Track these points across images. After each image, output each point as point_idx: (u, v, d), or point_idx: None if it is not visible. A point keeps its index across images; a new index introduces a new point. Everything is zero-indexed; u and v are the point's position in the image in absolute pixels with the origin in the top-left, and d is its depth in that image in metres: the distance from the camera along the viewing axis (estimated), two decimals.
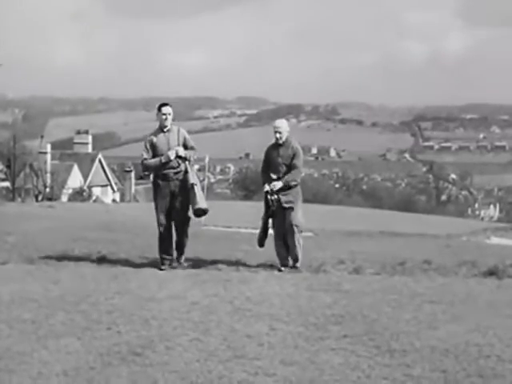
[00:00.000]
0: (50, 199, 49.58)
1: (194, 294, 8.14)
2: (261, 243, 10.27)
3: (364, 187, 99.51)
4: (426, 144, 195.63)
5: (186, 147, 9.71)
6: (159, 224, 9.78)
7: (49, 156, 57.18)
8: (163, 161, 9.51)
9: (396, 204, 65.32)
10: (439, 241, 20.02)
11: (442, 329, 6.95)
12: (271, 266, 10.40)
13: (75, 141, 65.43)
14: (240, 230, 19.42)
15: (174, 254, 10.01)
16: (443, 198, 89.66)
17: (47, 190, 53.62)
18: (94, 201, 51.89)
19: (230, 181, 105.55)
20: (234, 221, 22.73)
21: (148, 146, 9.63)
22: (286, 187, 9.80)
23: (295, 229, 9.85)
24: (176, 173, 9.61)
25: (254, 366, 5.57)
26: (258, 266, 10.49)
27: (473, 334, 6.74)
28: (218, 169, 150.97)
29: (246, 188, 70.19)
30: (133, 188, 61.38)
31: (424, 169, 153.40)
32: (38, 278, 9.35)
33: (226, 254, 11.64)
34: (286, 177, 9.76)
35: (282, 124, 9.85)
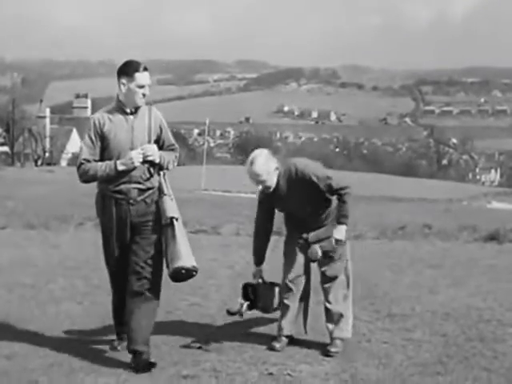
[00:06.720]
0: (49, 164, 49.61)
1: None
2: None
3: (364, 152, 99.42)
4: (427, 108, 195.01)
5: (160, 146, 5.01)
6: (113, 284, 5.29)
7: (48, 120, 57.06)
8: (120, 168, 4.82)
9: (397, 168, 65.32)
10: (440, 205, 20.05)
11: (442, 293, 6.95)
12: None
13: (74, 105, 65.31)
14: (240, 195, 19.43)
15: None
16: (444, 162, 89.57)
17: (46, 154, 53.60)
18: None
19: (230, 145, 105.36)
20: (234, 185, 22.73)
21: (94, 137, 4.86)
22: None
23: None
24: (142, 190, 4.93)
25: (254, 330, 5.57)
26: None
27: (473, 298, 6.74)
28: (218, 133, 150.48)
29: (246, 152, 69.94)
30: None
31: (425, 133, 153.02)
32: (37, 243, 9.35)
33: (225, 218, 11.62)
34: (341, 212, 5.20)
35: (259, 169, 5.12)
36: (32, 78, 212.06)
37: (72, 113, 64.47)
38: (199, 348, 5.12)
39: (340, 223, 5.18)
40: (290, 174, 5.20)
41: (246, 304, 5.33)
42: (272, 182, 5.17)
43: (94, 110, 66.10)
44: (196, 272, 4.90)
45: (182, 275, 4.89)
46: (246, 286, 5.44)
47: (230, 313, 5.38)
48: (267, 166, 5.12)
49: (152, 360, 4.78)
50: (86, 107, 63.86)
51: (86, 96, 65.47)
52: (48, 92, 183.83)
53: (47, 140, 54.19)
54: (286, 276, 5.37)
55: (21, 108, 57.44)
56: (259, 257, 5.45)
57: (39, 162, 52.51)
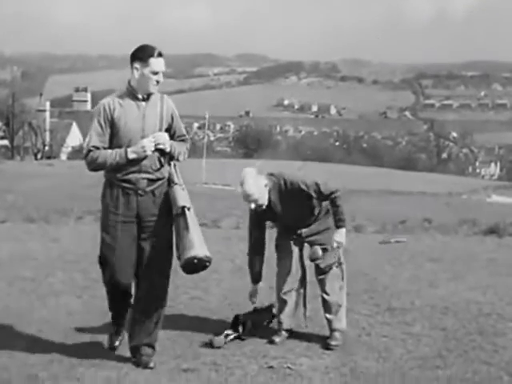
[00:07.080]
0: (49, 157, 49.61)
1: None
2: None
3: (364, 145, 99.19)
4: (427, 102, 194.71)
5: (171, 135, 4.77)
6: (109, 280, 4.83)
7: (48, 114, 57.03)
8: (131, 157, 4.58)
9: (396, 162, 65.22)
10: (440, 199, 20.05)
11: (442, 287, 6.95)
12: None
13: (74, 98, 65.36)
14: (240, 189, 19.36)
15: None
16: (444, 156, 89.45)
17: (46, 148, 53.59)
18: None
19: (230, 139, 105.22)
20: (234, 179, 22.68)
21: (103, 123, 4.59)
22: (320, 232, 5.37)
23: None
24: (152, 181, 4.69)
25: None
26: None
27: (473, 292, 6.74)
28: (218, 127, 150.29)
29: (246, 146, 70.00)
30: None
31: (425, 127, 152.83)
32: (37, 237, 9.34)
33: (225, 212, 11.62)
34: (337, 216, 5.26)
35: (250, 188, 5.09)
36: (32, 72, 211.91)
37: (72, 106, 64.53)
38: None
39: (339, 227, 5.23)
40: (280, 187, 5.19)
41: (231, 336, 5.21)
42: (264, 199, 5.15)
43: (93, 104, 66.21)
44: (209, 262, 4.59)
45: (195, 265, 4.58)
46: (236, 317, 5.35)
47: (212, 346, 5.08)
48: (257, 184, 5.11)
49: (151, 365, 4.66)
50: (85, 101, 63.95)
51: (85, 90, 65.57)
52: (48, 86, 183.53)
53: (47, 134, 54.21)
54: (280, 272, 5.38)
55: (20, 102, 57.42)
56: (256, 272, 5.39)
57: (39, 156, 52.51)
